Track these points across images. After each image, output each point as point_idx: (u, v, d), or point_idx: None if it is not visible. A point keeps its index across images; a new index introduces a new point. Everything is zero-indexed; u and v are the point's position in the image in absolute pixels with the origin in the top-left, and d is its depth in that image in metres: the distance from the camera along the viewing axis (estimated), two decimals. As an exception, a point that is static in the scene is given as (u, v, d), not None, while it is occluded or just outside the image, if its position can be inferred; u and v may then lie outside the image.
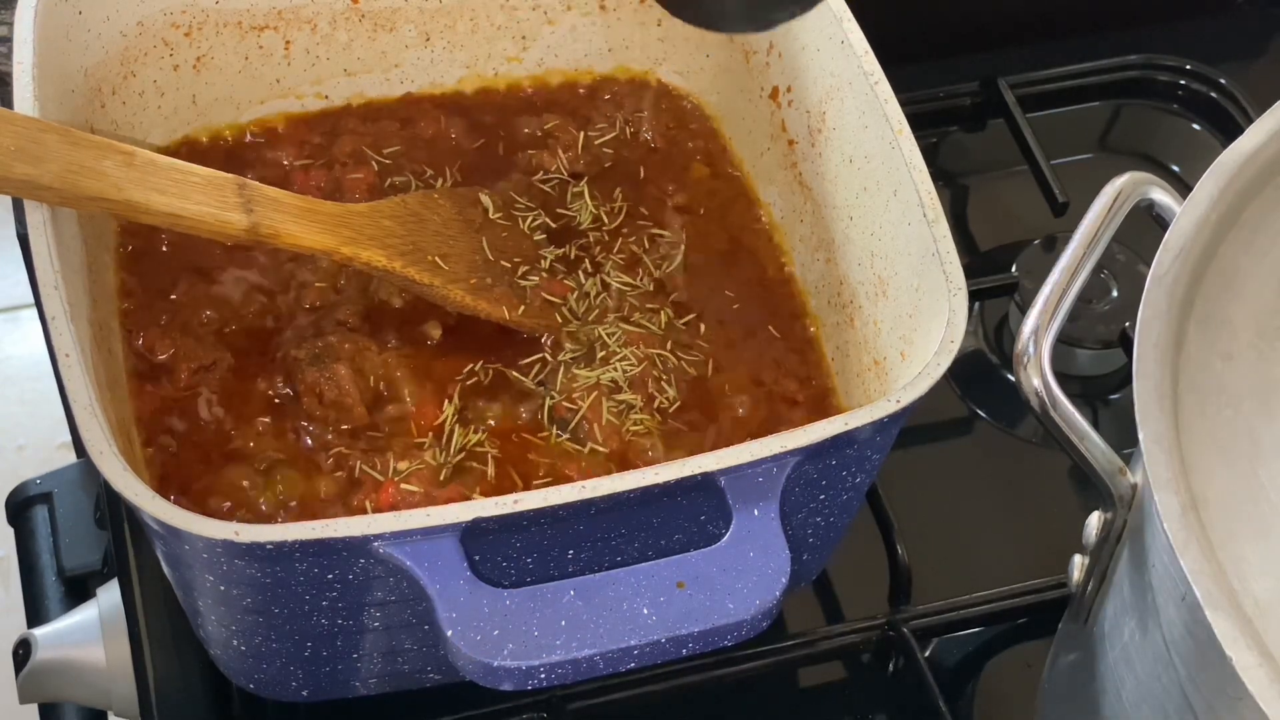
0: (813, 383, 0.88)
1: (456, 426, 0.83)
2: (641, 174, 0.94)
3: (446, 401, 0.83)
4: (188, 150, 0.92)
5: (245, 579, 0.72)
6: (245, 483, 0.81)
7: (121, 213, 0.78)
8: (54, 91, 0.83)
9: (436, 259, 0.84)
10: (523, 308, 0.86)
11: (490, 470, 0.82)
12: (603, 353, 0.86)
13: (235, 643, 0.78)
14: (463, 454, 0.82)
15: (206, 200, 0.78)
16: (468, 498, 0.80)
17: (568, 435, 0.83)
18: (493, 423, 0.84)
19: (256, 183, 0.81)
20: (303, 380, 0.83)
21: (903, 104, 0.83)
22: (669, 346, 0.87)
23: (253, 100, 0.93)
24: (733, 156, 0.95)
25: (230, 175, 0.80)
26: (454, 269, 0.85)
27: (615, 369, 0.85)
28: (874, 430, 0.75)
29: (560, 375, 0.85)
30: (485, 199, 0.90)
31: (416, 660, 0.79)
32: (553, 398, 0.84)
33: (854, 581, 0.90)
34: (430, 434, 0.83)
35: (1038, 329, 0.71)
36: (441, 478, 0.81)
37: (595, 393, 0.84)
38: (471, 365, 0.85)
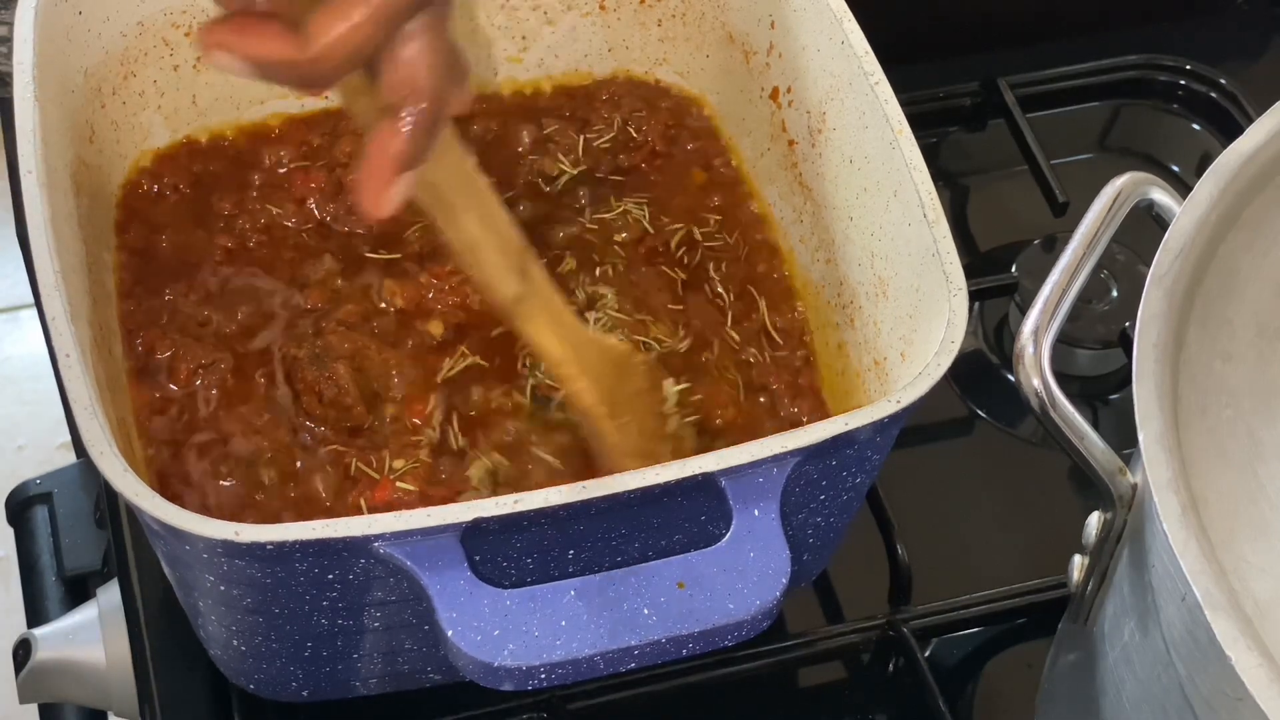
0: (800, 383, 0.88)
1: (448, 427, 0.83)
2: (641, 176, 0.94)
3: (433, 395, 0.83)
4: (188, 151, 0.92)
5: (245, 579, 0.72)
6: (241, 481, 0.81)
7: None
8: (54, 91, 0.83)
9: (627, 421, 0.79)
10: None
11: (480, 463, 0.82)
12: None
13: (235, 643, 0.78)
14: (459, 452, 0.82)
15: (497, 249, 0.71)
16: (462, 494, 0.80)
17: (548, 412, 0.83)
18: (474, 414, 0.83)
19: (535, 264, 0.73)
20: (302, 379, 0.83)
21: (903, 104, 0.83)
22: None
23: (252, 100, 0.93)
24: (733, 157, 0.95)
25: (521, 241, 0.72)
26: (630, 437, 0.78)
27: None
28: (874, 430, 0.75)
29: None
30: (670, 390, 0.83)
31: (416, 660, 0.79)
32: (535, 378, 0.84)
33: (854, 581, 0.90)
34: (425, 432, 0.83)
35: (1038, 329, 0.71)
36: (442, 475, 0.81)
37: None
38: (459, 354, 0.85)
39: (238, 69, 0.61)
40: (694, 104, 0.97)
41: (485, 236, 0.70)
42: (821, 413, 0.87)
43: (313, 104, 0.94)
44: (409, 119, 0.62)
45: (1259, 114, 0.73)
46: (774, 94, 0.92)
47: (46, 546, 1.01)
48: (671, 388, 0.82)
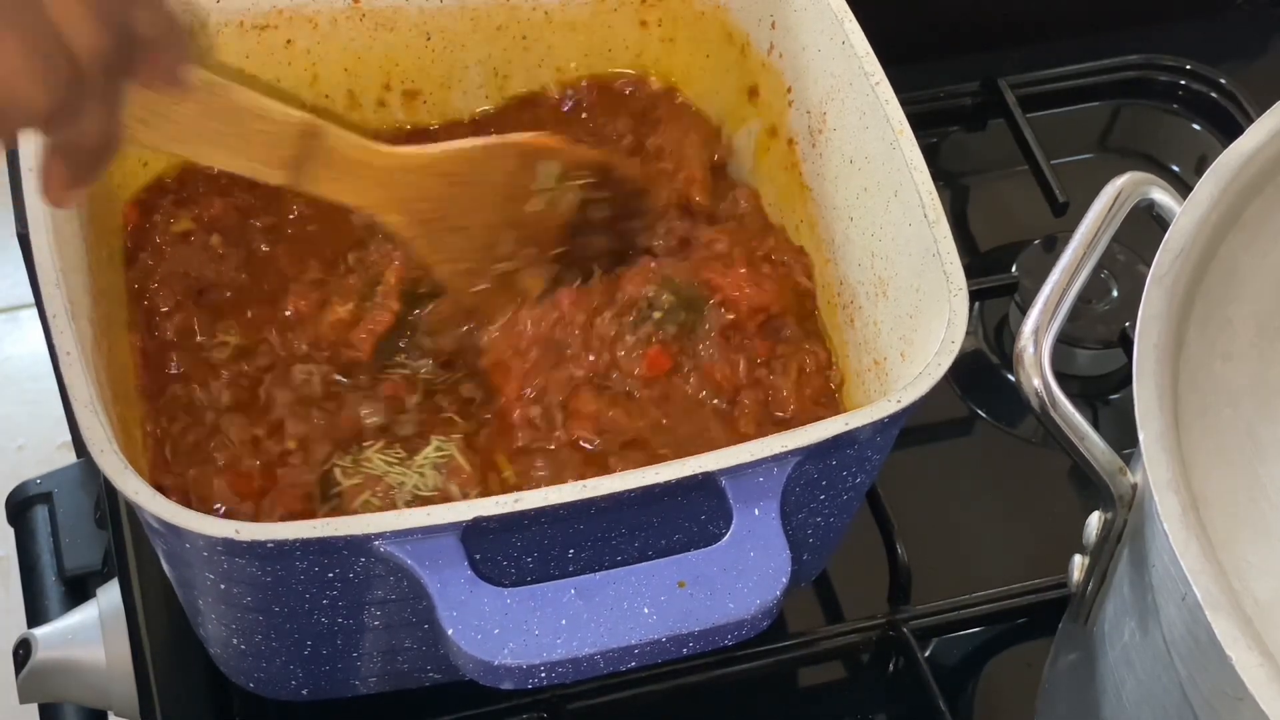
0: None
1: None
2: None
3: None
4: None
5: (245, 577, 0.72)
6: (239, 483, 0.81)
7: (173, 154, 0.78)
8: (55, 91, 0.83)
9: (448, 232, 0.84)
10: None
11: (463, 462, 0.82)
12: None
13: (235, 642, 0.78)
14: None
15: (257, 156, 0.78)
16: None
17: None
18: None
19: (326, 130, 0.79)
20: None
21: (903, 104, 0.83)
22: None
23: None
24: (733, 157, 0.95)
25: (300, 120, 0.78)
26: (455, 243, 0.84)
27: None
28: (874, 430, 0.75)
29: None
30: (545, 170, 0.86)
31: (417, 659, 0.79)
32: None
33: (854, 581, 0.90)
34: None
35: (1038, 329, 0.71)
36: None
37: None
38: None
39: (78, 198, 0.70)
40: (694, 104, 0.97)
41: (227, 161, 0.78)
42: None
43: (311, 98, 0.94)
44: (65, 158, 0.67)
45: (1259, 114, 0.73)
46: (774, 94, 0.92)
47: (46, 546, 1.01)
48: (548, 167, 0.85)
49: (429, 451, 0.81)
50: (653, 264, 0.87)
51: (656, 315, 0.85)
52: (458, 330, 0.85)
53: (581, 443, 0.82)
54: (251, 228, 0.90)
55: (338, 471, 0.81)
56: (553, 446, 0.82)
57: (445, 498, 0.79)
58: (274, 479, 0.81)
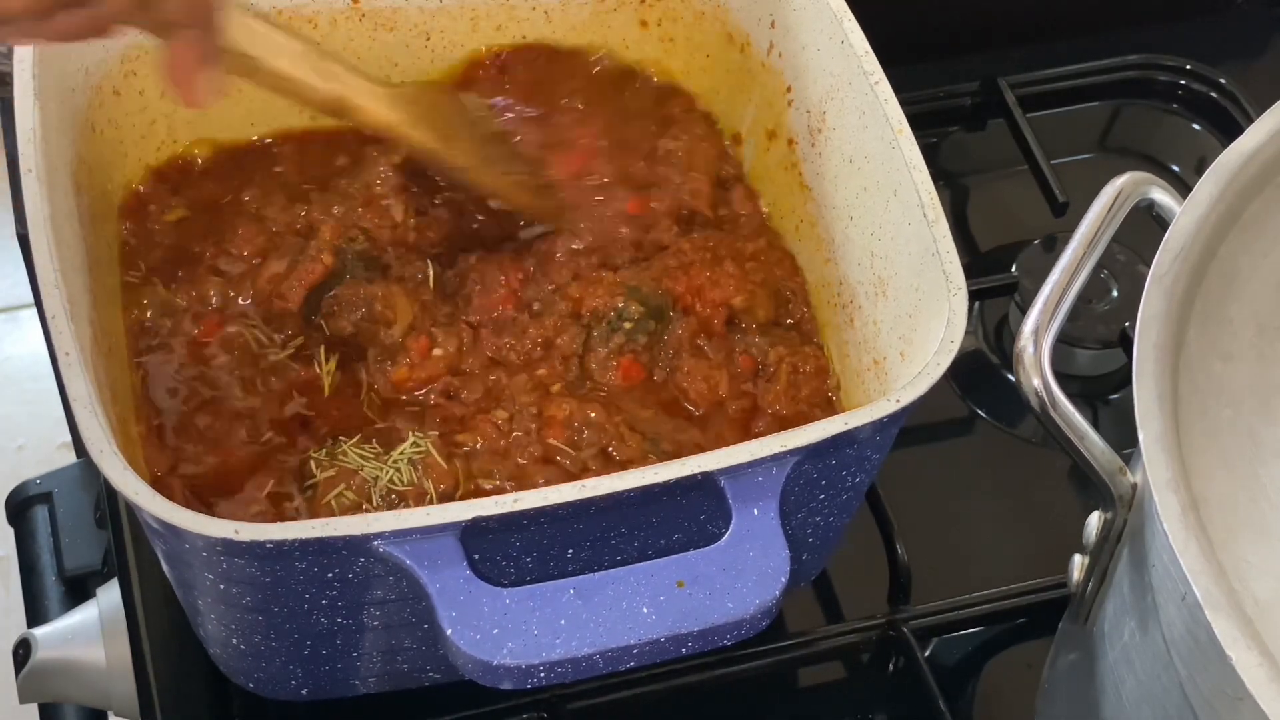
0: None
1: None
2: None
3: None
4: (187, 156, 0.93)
5: (245, 577, 0.72)
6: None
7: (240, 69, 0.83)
8: (54, 90, 0.83)
9: (466, 141, 0.89)
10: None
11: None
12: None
13: (235, 642, 0.78)
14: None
15: (306, 71, 0.84)
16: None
17: None
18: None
19: (341, 67, 0.85)
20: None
21: (903, 104, 0.83)
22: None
23: (252, 99, 0.93)
24: (733, 157, 0.95)
25: (314, 45, 0.85)
26: (478, 153, 0.90)
27: None
28: (874, 430, 0.75)
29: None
30: (470, 102, 0.92)
31: (416, 659, 0.79)
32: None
33: (854, 581, 0.90)
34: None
35: (1038, 329, 0.71)
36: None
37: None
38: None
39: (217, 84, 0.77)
40: (694, 103, 0.97)
41: (291, 70, 0.84)
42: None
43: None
44: (191, 28, 0.75)
45: (1259, 114, 0.73)
46: (774, 94, 0.92)
47: (46, 546, 1.01)
48: (472, 99, 0.92)
49: (405, 447, 0.81)
50: (614, 275, 0.87)
51: (627, 326, 0.86)
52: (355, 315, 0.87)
53: (558, 457, 0.82)
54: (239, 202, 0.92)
55: (313, 464, 0.81)
56: (523, 461, 0.83)
57: (420, 493, 0.80)
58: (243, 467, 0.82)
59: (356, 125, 0.88)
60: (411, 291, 0.87)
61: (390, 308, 0.86)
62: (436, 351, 0.86)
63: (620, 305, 0.86)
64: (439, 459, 0.81)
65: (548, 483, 0.79)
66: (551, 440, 0.82)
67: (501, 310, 0.87)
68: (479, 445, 0.82)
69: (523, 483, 0.81)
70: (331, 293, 0.87)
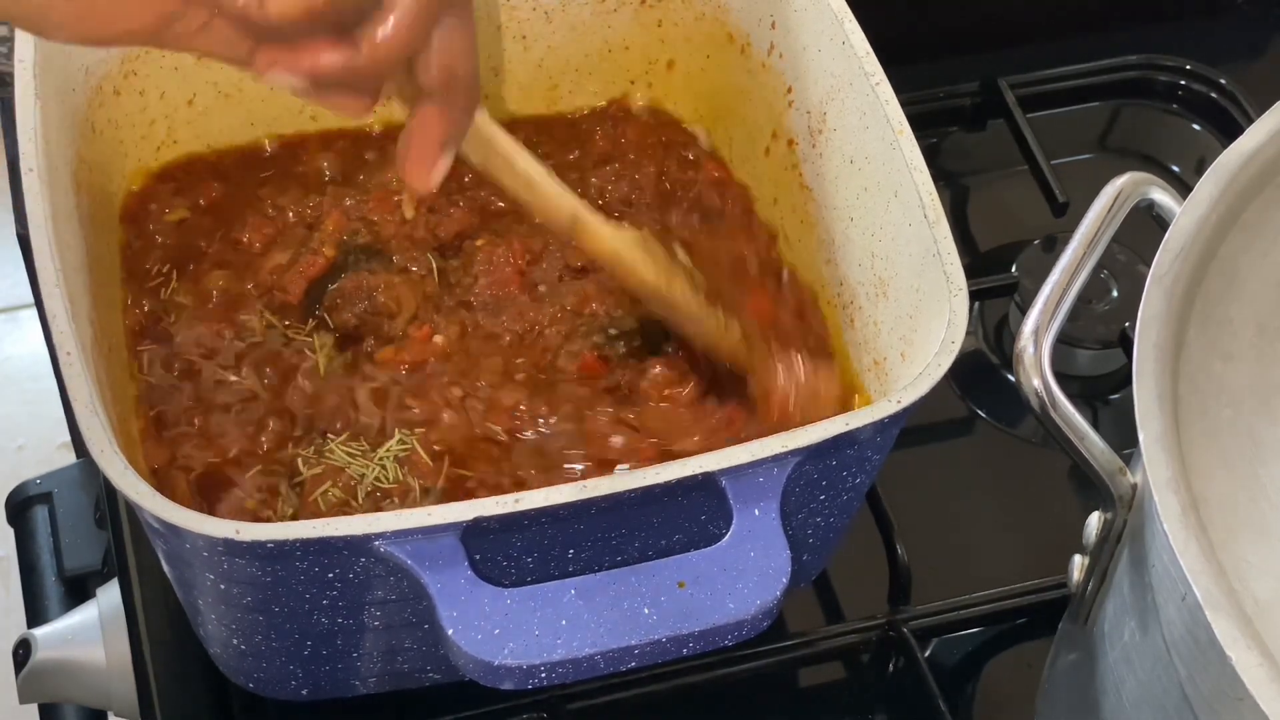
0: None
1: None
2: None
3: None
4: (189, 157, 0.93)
5: (245, 577, 0.72)
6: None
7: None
8: (55, 89, 0.83)
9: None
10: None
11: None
12: None
13: (235, 642, 0.78)
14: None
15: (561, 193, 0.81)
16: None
17: None
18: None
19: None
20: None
21: (903, 104, 0.83)
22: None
23: (252, 99, 0.93)
24: (733, 157, 0.95)
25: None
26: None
27: None
28: (874, 430, 0.75)
29: None
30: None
31: (417, 659, 0.79)
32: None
33: (854, 581, 0.90)
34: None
35: (1038, 329, 0.71)
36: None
37: None
38: None
39: (295, 84, 0.68)
40: (693, 103, 0.97)
41: (536, 172, 0.79)
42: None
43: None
44: (451, 104, 0.70)
45: (1259, 114, 0.73)
46: (774, 94, 0.92)
47: (46, 546, 1.01)
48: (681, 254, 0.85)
49: (391, 444, 0.82)
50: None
51: (612, 332, 0.86)
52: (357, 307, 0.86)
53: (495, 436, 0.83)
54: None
55: (300, 462, 0.81)
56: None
57: (405, 491, 0.80)
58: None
59: (582, 248, 0.83)
60: (415, 283, 0.88)
61: (393, 299, 0.86)
62: (438, 339, 0.86)
63: (619, 314, 0.86)
64: (424, 456, 0.81)
65: (485, 463, 0.80)
66: (491, 424, 0.83)
67: (506, 290, 0.87)
68: (416, 411, 0.83)
69: (463, 459, 0.81)
70: (334, 285, 0.87)
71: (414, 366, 0.85)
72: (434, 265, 0.89)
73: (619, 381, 0.85)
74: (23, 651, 0.92)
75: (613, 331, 0.86)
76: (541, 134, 0.96)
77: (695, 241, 0.86)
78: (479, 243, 0.89)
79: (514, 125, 0.96)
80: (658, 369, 0.85)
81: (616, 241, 0.82)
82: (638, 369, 0.85)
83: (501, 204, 0.91)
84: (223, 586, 0.73)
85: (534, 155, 0.80)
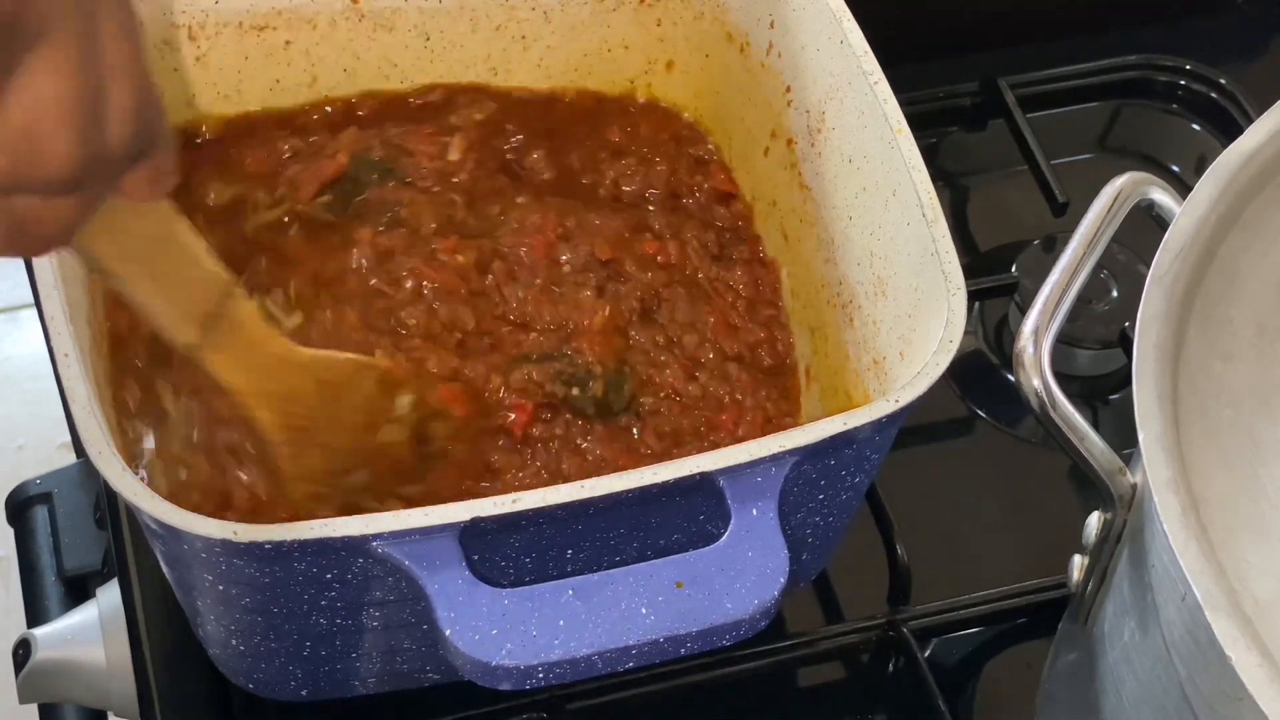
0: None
1: None
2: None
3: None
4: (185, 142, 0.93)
5: (244, 578, 0.72)
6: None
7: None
8: (53, 91, 0.83)
9: (311, 446, 0.79)
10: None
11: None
12: None
13: (234, 642, 0.78)
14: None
15: (180, 302, 0.71)
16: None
17: None
18: None
19: (238, 296, 0.73)
20: None
21: (902, 104, 0.83)
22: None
23: (252, 100, 0.93)
24: (732, 157, 0.95)
25: (225, 278, 0.72)
26: (315, 464, 0.79)
27: None
28: (873, 430, 0.75)
29: None
30: (400, 401, 0.82)
31: (415, 660, 0.79)
32: None
33: (854, 581, 0.90)
34: None
35: (1038, 329, 0.71)
36: None
37: None
38: None
39: None
40: (693, 103, 0.97)
41: (154, 299, 0.69)
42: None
43: (310, 98, 0.94)
44: (153, 164, 0.60)
45: (1259, 114, 0.73)
46: (773, 94, 0.92)
47: (46, 546, 1.01)
48: (403, 399, 0.82)
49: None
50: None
51: (574, 392, 0.84)
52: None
53: None
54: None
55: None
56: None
57: None
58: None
59: (216, 359, 0.73)
60: (441, 202, 0.87)
61: (415, 215, 0.86)
62: (459, 258, 0.85)
63: (599, 369, 0.85)
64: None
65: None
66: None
67: (527, 252, 0.87)
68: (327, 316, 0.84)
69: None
70: (361, 196, 0.87)
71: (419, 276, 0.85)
72: (461, 203, 0.88)
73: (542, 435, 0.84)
74: (23, 651, 0.92)
75: (575, 390, 0.84)
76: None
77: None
78: (519, 199, 0.89)
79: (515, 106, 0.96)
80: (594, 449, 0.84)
81: (243, 381, 0.74)
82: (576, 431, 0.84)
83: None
84: (221, 587, 0.73)
85: (196, 247, 0.70)
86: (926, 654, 0.88)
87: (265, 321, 0.75)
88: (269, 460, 0.79)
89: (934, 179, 0.81)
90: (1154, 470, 0.64)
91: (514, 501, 0.70)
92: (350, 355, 0.81)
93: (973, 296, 0.80)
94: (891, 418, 0.74)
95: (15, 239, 0.56)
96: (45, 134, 0.53)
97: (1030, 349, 0.70)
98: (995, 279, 1.01)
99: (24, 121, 0.52)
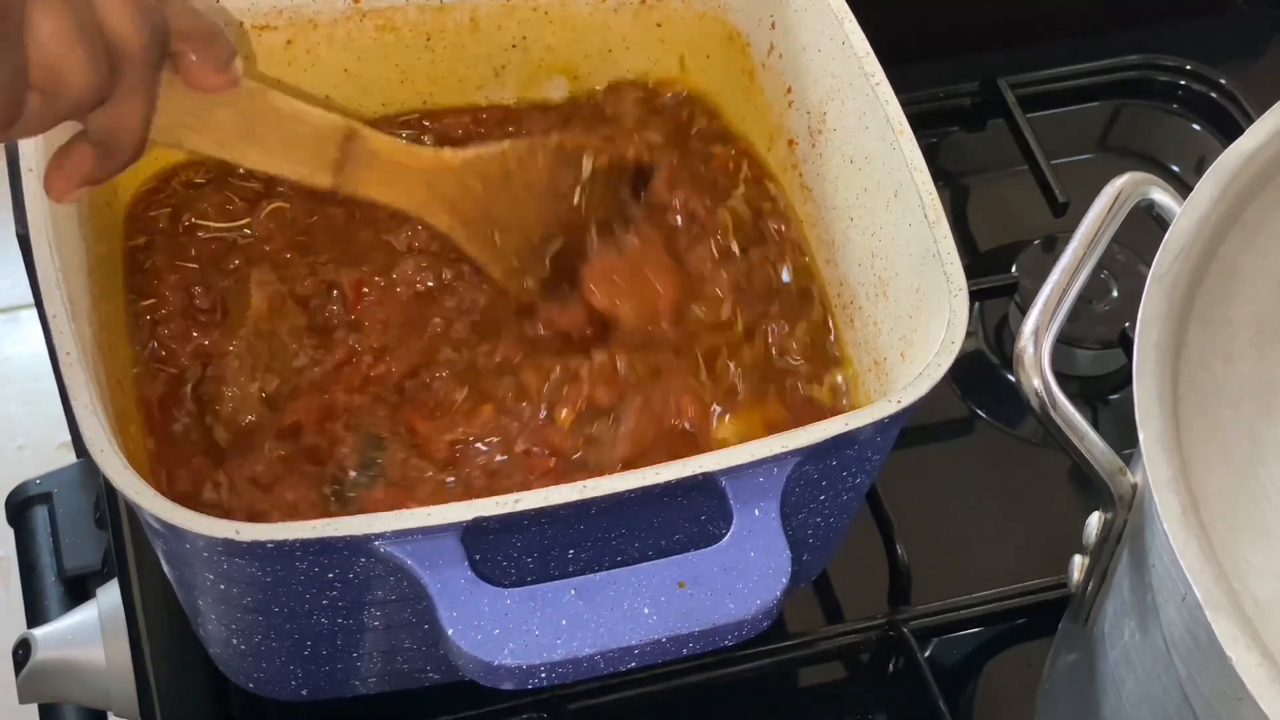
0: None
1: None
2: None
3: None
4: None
5: (245, 577, 0.72)
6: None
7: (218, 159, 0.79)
8: (55, 91, 0.83)
9: (496, 232, 0.85)
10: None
11: None
12: None
13: (235, 642, 0.78)
14: None
15: (302, 159, 0.79)
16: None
17: None
18: None
19: (365, 133, 0.80)
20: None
21: (903, 104, 0.83)
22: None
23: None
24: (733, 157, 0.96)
25: (341, 124, 0.79)
26: (505, 244, 0.85)
27: None
28: (874, 430, 0.75)
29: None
30: (588, 163, 0.87)
31: (416, 659, 0.79)
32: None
33: (854, 581, 0.90)
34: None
35: (1038, 329, 0.71)
36: None
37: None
38: None
39: (82, 195, 0.71)
40: (692, 104, 0.97)
41: (273, 165, 0.78)
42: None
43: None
44: (106, 157, 0.69)
45: (1259, 114, 0.73)
46: (774, 94, 0.92)
47: (46, 546, 1.01)
48: (587, 160, 0.86)
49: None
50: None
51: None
52: None
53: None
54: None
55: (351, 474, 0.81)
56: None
57: None
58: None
59: (359, 182, 0.81)
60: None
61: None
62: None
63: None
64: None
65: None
66: None
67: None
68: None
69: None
70: None
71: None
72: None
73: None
74: (23, 651, 0.92)
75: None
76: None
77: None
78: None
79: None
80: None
81: (402, 198, 0.81)
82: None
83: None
84: (222, 587, 0.73)
85: (298, 105, 0.78)
86: (926, 654, 0.88)
87: (406, 143, 0.82)
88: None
89: (934, 179, 0.81)
90: (1154, 470, 0.64)
91: (516, 501, 0.71)
92: (505, 144, 0.85)
93: (973, 296, 0.80)
94: (893, 418, 0.74)
95: (110, 151, 0.69)
96: (60, 62, 0.63)
97: (1030, 349, 0.71)
98: (995, 279, 1.01)
99: (41, 59, 0.63)
